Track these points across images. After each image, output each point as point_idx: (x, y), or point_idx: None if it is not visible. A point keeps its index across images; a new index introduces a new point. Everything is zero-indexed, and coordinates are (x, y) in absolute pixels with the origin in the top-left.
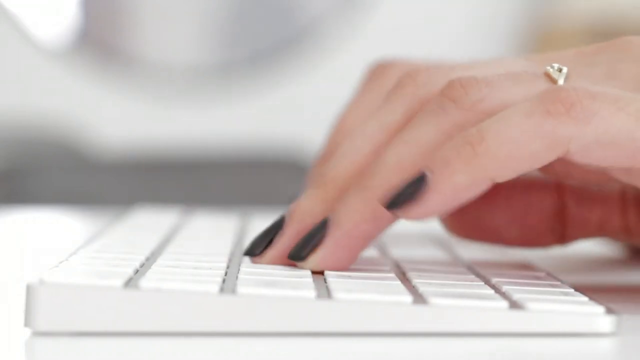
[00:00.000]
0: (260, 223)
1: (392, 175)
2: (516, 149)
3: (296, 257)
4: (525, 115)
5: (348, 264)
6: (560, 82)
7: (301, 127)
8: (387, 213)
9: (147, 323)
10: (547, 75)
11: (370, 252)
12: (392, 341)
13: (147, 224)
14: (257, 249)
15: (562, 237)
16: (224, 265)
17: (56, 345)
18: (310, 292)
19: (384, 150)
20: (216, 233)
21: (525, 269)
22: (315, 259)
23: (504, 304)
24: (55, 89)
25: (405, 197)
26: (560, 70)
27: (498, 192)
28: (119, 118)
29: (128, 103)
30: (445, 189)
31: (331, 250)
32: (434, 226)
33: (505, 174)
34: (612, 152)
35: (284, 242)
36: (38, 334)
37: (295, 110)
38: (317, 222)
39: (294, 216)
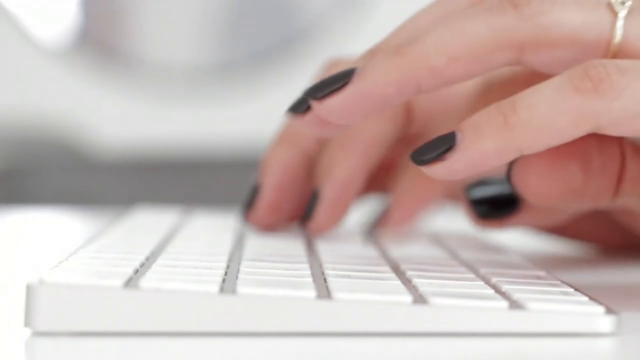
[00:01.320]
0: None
1: (429, 52)
2: (545, 123)
3: (311, 94)
4: (555, 91)
5: (356, 120)
6: (621, 16)
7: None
8: (412, 85)
9: (147, 323)
10: (610, 6)
11: (370, 252)
12: (392, 341)
13: (147, 224)
14: (319, 93)
15: (617, 192)
16: (224, 265)
17: (56, 345)
18: (310, 292)
19: (430, 25)
20: (216, 233)
21: (525, 269)
22: (329, 104)
23: (504, 304)
24: (55, 89)
25: (432, 153)
26: (623, 3)
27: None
28: (119, 118)
29: (128, 103)
30: (472, 153)
31: (347, 101)
32: (434, 226)
33: (533, 146)
34: None
35: (350, 95)
36: (38, 334)
37: None
38: (344, 69)
39: (366, 77)
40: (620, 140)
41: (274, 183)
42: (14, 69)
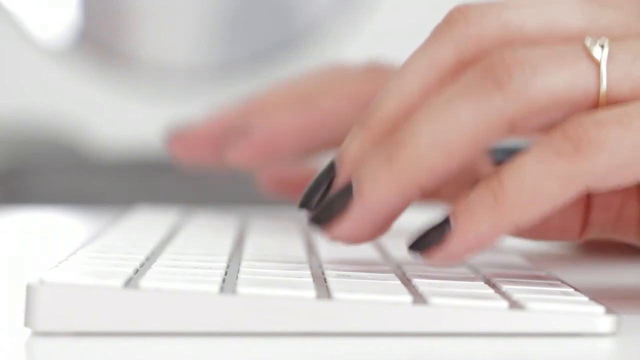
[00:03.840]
0: (260, 223)
1: (424, 153)
2: (534, 194)
3: (318, 220)
4: (537, 161)
5: (375, 237)
6: (603, 66)
7: None
8: (415, 189)
9: (147, 323)
10: (589, 55)
11: (370, 252)
12: (392, 341)
13: (147, 224)
14: (312, 201)
15: (585, 223)
16: (224, 265)
17: (56, 345)
18: (310, 292)
19: (417, 118)
20: (216, 233)
21: (525, 269)
22: (340, 231)
23: (504, 304)
24: (55, 89)
25: (429, 241)
26: (602, 46)
27: None
28: (118, 118)
29: (128, 103)
30: (468, 236)
31: (356, 223)
32: None
33: (527, 219)
34: (629, 172)
35: (358, 217)
36: (38, 334)
37: None
38: (342, 187)
39: (345, 163)
40: None
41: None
42: (14, 69)
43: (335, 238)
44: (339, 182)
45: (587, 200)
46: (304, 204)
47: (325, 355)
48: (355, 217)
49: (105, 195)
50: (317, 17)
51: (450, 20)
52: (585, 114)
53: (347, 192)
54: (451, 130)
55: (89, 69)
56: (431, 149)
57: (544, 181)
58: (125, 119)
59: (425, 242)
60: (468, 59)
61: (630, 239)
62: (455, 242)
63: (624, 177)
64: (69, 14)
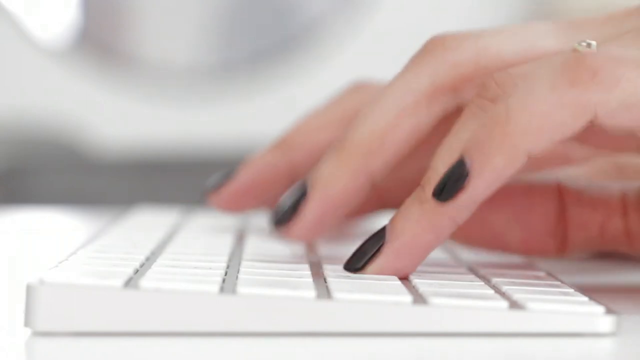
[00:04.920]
0: (260, 223)
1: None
2: (545, 121)
3: (352, 268)
4: (550, 88)
5: (410, 272)
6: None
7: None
8: (446, 222)
9: (147, 323)
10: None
11: None
12: (392, 341)
13: (147, 224)
14: (284, 219)
15: (564, 241)
16: (224, 265)
17: (56, 345)
18: (310, 292)
19: (433, 157)
20: (216, 233)
21: (525, 269)
22: (375, 268)
23: (504, 304)
24: (55, 89)
25: (452, 187)
26: (589, 45)
27: (499, 195)
28: (118, 118)
29: (128, 103)
30: (486, 173)
31: (391, 260)
32: None
33: (539, 146)
34: (638, 114)
35: (310, 213)
36: (38, 334)
37: (295, 110)
38: (373, 234)
39: (318, 185)
40: (560, 189)
41: (250, 173)
42: (14, 69)
43: (375, 274)
44: (310, 205)
45: (564, 221)
46: (276, 222)
47: (325, 355)
48: (389, 254)
49: (105, 195)
50: (317, 17)
51: (428, 47)
52: (597, 50)
53: (380, 234)
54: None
55: (89, 69)
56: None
57: (556, 109)
58: (125, 119)
59: (450, 190)
60: (443, 85)
61: (623, 250)
62: (476, 183)
63: (631, 118)
64: (69, 14)
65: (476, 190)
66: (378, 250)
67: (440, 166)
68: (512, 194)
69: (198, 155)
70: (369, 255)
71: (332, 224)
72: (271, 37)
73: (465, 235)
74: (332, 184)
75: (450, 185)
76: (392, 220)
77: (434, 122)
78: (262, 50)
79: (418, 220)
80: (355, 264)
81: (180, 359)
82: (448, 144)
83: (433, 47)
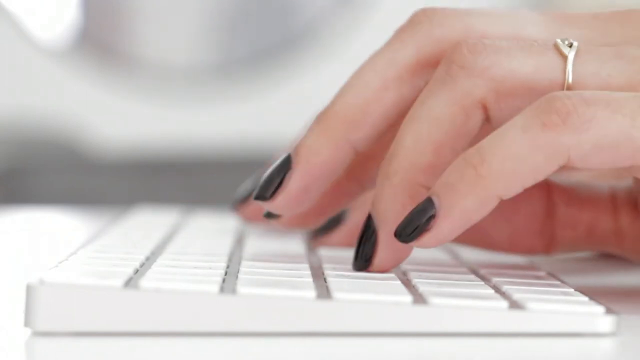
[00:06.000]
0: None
1: (414, 156)
2: (518, 164)
3: (361, 268)
4: (522, 130)
5: (410, 252)
6: (571, 58)
7: (301, 127)
8: (419, 190)
9: (147, 323)
10: (557, 49)
11: None
12: (392, 341)
13: (147, 224)
14: (267, 192)
15: (551, 240)
16: (224, 265)
17: (56, 345)
18: (310, 292)
19: (400, 131)
20: (216, 233)
21: (525, 269)
22: (379, 263)
23: (504, 304)
24: (55, 89)
25: (416, 227)
26: (570, 45)
27: None
28: (119, 118)
29: (128, 103)
30: (455, 215)
31: (389, 249)
32: None
33: (511, 190)
34: (611, 154)
35: (294, 185)
36: (38, 334)
37: (295, 110)
38: (363, 225)
39: (300, 156)
40: (549, 187)
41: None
42: (14, 69)
43: (379, 270)
44: (295, 176)
45: (552, 220)
46: (259, 196)
47: (325, 355)
48: (384, 244)
49: (105, 195)
50: (317, 17)
51: (414, 20)
52: (569, 91)
53: (369, 224)
54: (430, 126)
55: (89, 69)
56: (418, 150)
57: (529, 151)
58: (125, 119)
59: (412, 228)
60: (428, 60)
61: (612, 250)
62: (442, 223)
63: (604, 160)
64: (69, 14)
65: (441, 232)
66: (372, 236)
67: (402, 140)
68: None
69: (198, 155)
70: (371, 242)
71: (316, 196)
72: (272, 37)
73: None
74: (315, 155)
75: (413, 225)
76: (373, 208)
77: (416, 96)
78: (263, 50)
79: (396, 200)
80: (362, 262)
81: (180, 359)
82: (417, 118)
83: (419, 20)
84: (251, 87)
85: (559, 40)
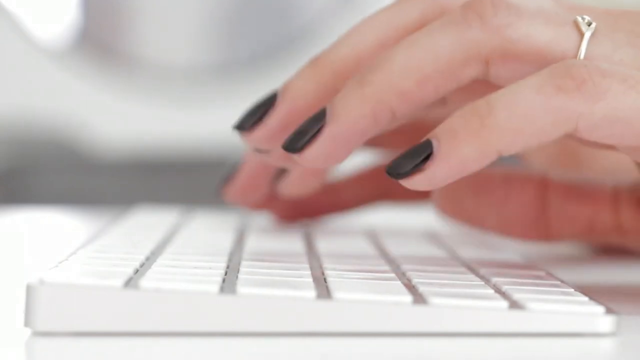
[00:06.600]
0: (260, 223)
1: (397, 77)
2: (524, 123)
3: (290, 148)
4: (536, 90)
5: (342, 160)
6: (587, 36)
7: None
8: (386, 112)
9: (147, 323)
10: (576, 25)
11: (370, 252)
12: (392, 341)
13: (147, 224)
14: (247, 123)
15: (547, 232)
16: (224, 265)
17: (56, 345)
18: (310, 292)
19: (394, 47)
20: (216, 233)
21: (525, 269)
22: (311, 153)
23: (504, 304)
24: (55, 89)
25: (409, 165)
26: (589, 24)
27: (476, 181)
28: (119, 118)
29: (128, 103)
30: (451, 160)
31: (327, 145)
32: (434, 226)
33: (512, 148)
34: (620, 129)
35: (274, 121)
36: (38, 334)
37: None
38: (314, 113)
39: (286, 95)
40: (544, 182)
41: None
42: (14, 69)
43: (307, 162)
44: (276, 113)
45: (547, 213)
46: (238, 127)
47: (325, 355)
48: (327, 139)
49: (105, 195)
50: (317, 17)
51: None
52: (587, 60)
53: (320, 116)
54: (426, 55)
55: (89, 69)
56: (404, 72)
57: (538, 112)
58: (125, 119)
59: (405, 164)
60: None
61: (615, 242)
62: (436, 166)
63: (612, 134)
64: (69, 14)
65: (434, 175)
66: (318, 131)
67: (392, 57)
68: (489, 181)
69: (198, 155)
70: (309, 136)
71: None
72: (272, 37)
73: (449, 208)
74: (301, 97)
75: (408, 163)
76: (331, 102)
77: None
78: (263, 50)
79: (358, 106)
80: (295, 144)
81: (180, 359)
82: (417, 43)
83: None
84: (251, 87)
85: (579, 18)
